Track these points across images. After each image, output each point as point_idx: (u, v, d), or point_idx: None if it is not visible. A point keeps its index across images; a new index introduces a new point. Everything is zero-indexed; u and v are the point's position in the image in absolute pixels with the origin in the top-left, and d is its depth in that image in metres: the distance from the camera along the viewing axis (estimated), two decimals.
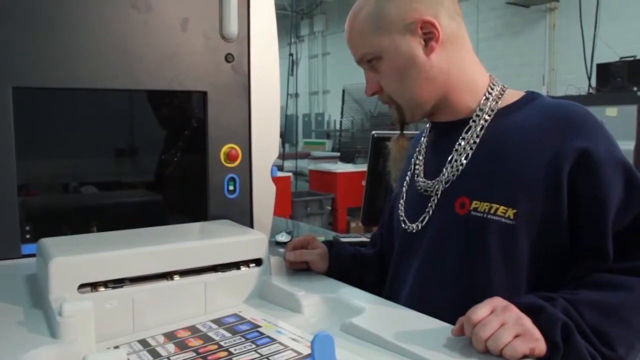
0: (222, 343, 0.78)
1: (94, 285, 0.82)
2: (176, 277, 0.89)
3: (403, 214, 1.03)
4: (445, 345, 0.71)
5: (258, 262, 0.98)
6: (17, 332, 0.73)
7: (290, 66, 6.89)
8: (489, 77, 0.98)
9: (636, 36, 5.87)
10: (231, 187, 1.27)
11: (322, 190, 5.50)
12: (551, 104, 0.92)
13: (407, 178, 1.06)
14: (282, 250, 1.19)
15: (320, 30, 12.23)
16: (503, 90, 0.96)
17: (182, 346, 0.77)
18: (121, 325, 0.82)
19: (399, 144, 1.04)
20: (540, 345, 0.69)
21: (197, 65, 1.22)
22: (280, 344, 0.77)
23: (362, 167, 5.03)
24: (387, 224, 1.14)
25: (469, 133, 0.94)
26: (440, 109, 0.97)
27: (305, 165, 6.59)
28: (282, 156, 6.53)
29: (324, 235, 2.11)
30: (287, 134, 10.14)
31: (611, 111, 3.54)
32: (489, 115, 0.93)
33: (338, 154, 7.98)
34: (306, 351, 0.73)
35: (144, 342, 0.79)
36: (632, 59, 4.05)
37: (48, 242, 0.89)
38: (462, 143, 0.94)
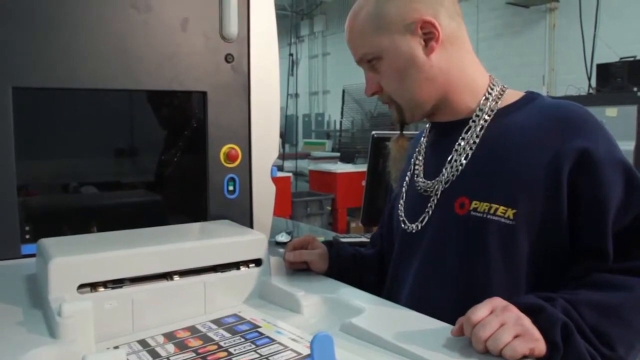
0: (221, 343, 0.78)
1: (93, 286, 0.82)
2: (176, 278, 0.89)
3: (403, 214, 1.03)
4: (444, 345, 0.71)
5: (258, 262, 0.98)
6: (16, 332, 0.73)
7: (290, 66, 6.90)
8: (488, 77, 0.98)
9: (636, 36, 5.87)
10: (231, 188, 1.27)
11: (322, 191, 5.49)
12: (551, 104, 0.92)
13: (407, 178, 1.06)
14: (282, 250, 1.19)
15: (320, 31, 12.23)
16: (503, 91, 0.96)
17: (181, 346, 0.77)
18: (121, 326, 0.82)
19: (399, 144, 1.04)
20: (540, 346, 0.69)
21: (197, 65, 1.22)
22: (280, 344, 0.77)
23: (362, 168, 5.03)
24: (386, 224, 1.14)
25: (469, 133, 0.94)
26: (440, 109, 0.97)
27: (305, 165, 6.59)
28: (282, 156, 6.54)
29: (323, 235, 2.11)
30: (287, 134, 10.15)
31: (611, 111, 3.54)
32: (489, 116, 0.93)
33: (338, 154, 7.98)
34: (306, 351, 0.73)
35: (143, 343, 0.79)
36: (632, 59, 4.05)
37: (48, 242, 0.89)
38: (462, 143, 0.94)
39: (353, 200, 5.08)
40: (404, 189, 1.06)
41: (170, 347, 0.77)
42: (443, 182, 0.94)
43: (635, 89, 3.64)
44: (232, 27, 1.24)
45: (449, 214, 0.92)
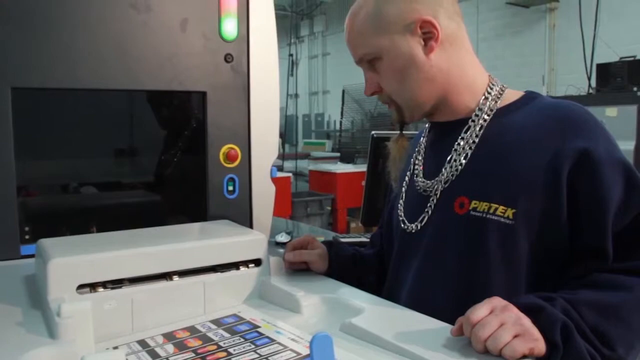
0: (221, 343, 0.78)
1: (92, 286, 0.82)
2: (175, 278, 0.89)
3: (402, 214, 1.03)
4: (444, 345, 0.71)
5: (257, 262, 0.98)
6: (15, 332, 0.73)
7: (290, 66, 6.90)
8: (488, 77, 0.98)
9: (636, 36, 5.87)
10: (230, 188, 1.27)
11: (322, 191, 5.49)
12: (551, 104, 0.92)
13: (407, 178, 1.06)
14: (281, 250, 1.19)
15: (320, 31, 12.24)
16: (502, 90, 0.96)
17: (181, 347, 0.77)
18: (120, 326, 0.82)
19: (399, 144, 1.04)
20: (539, 345, 0.69)
21: (196, 65, 1.22)
22: (280, 344, 0.77)
23: (362, 168, 5.03)
24: (386, 224, 1.14)
25: (468, 133, 0.93)
26: (440, 109, 0.97)
27: (305, 165, 6.59)
28: (282, 156, 6.54)
29: (323, 235, 2.11)
30: (287, 134, 10.14)
31: (611, 111, 3.54)
32: (488, 115, 0.93)
33: (338, 154, 7.98)
34: (305, 351, 0.73)
35: (143, 343, 0.79)
36: (632, 59, 4.05)
37: (47, 243, 0.89)
38: (461, 143, 0.94)
39: (353, 201, 5.08)
40: (403, 189, 1.06)
41: (170, 348, 0.77)
42: (442, 182, 0.94)
43: (635, 89, 3.64)
44: (232, 27, 1.24)
45: (449, 214, 0.92)
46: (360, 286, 0.98)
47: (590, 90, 4.33)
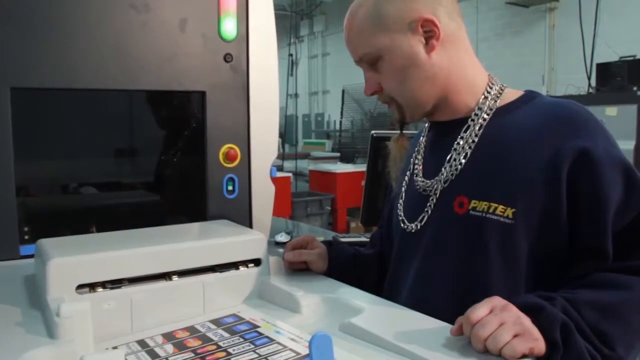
0: (220, 343, 0.78)
1: (92, 286, 0.81)
2: (175, 278, 0.89)
3: (402, 214, 1.03)
4: (444, 345, 0.71)
5: (257, 262, 0.98)
6: (15, 332, 0.73)
7: (290, 66, 6.90)
8: (487, 76, 0.98)
9: (636, 36, 5.86)
10: (230, 188, 1.27)
11: (322, 191, 5.49)
12: (550, 103, 0.92)
13: (406, 178, 1.06)
14: (281, 250, 1.19)
15: (320, 31, 12.24)
16: (502, 89, 0.96)
17: (180, 347, 0.77)
18: (119, 326, 0.82)
19: (399, 143, 1.04)
20: (539, 345, 0.69)
21: (195, 65, 1.22)
22: (279, 344, 0.77)
23: (362, 167, 5.03)
24: (386, 224, 1.14)
25: (468, 132, 0.93)
26: (440, 108, 0.97)
27: (305, 165, 6.59)
28: (282, 156, 6.54)
29: (323, 235, 2.11)
30: (287, 134, 10.15)
31: (611, 111, 3.54)
32: (488, 114, 0.93)
33: (338, 154, 7.98)
34: (305, 351, 0.73)
35: (142, 343, 0.79)
36: (632, 58, 4.05)
37: (46, 243, 0.89)
38: (461, 142, 0.93)
39: (353, 200, 5.08)
40: (403, 189, 1.06)
41: (169, 347, 0.77)
42: (442, 182, 0.94)
43: (635, 88, 3.63)
44: (231, 27, 1.23)
45: (448, 214, 0.92)
46: (360, 286, 0.98)
47: (590, 90, 4.33)
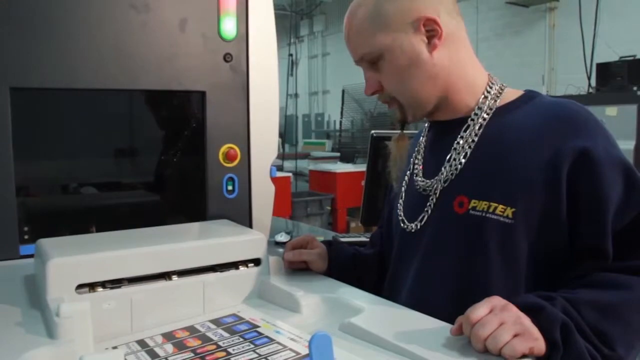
0: (220, 343, 0.78)
1: (91, 286, 0.81)
2: (174, 277, 0.89)
3: (402, 214, 1.03)
4: (444, 344, 0.71)
5: (257, 262, 0.98)
6: (14, 332, 0.73)
7: (290, 66, 6.89)
8: (487, 76, 0.98)
9: (636, 36, 5.86)
10: (230, 187, 1.27)
11: (322, 191, 5.49)
12: (550, 103, 0.92)
13: (406, 177, 1.06)
14: (281, 250, 1.19)
15: (320, 31, 12.24)
16: (502, 89, 0.96)
17: (180, 346, 0.77)
18: (119, 326, 0.82)
19: (400, 143, 1.04)
20: (539, 345, 0.69)
21: (195, 65, 1.22)
22: (279, 344, 0.77)
23: (362, 167, 5.03)
24: (386, 224, 1.14)
25: (468, 132, 0.93)
26: (440, 107, 0.97)
27: (305, 165, 6.59)
28: (282, 156, 6.54)
29: (323, 235, 2.11)
30: (287, 134, 10.14)
31: (611, 111, 3.54)
32: (488, 114, 0.93)
33: (338, 154, 7.98)
34: (305, 351, 0.73)
35: (142, 343, 0.79)
36: (632, 58, 4.05)
37: (46, 243, 0.89)
38: (461, 142, 0.93)
39: (353, 200, 5.08)
40: (403, 189, 1.06)
41: (169, 347, 0.77)
42: (442, 181, 0.94)
43: (635, 88, 3.63)
44: (231, 26, 1.23)
45: (448, 213, 0.92)
46: (360, 286, 0.98)
47: (590, 90, 4.33)
